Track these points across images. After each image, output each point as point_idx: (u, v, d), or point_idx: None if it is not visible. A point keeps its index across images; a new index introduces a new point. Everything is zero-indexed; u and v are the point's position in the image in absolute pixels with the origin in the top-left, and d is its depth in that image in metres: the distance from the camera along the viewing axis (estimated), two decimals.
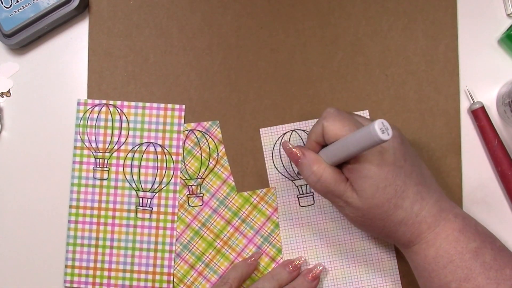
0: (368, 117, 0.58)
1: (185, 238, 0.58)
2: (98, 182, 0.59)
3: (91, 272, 0.59)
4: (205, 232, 0.58)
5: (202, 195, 0.59)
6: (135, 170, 0.59)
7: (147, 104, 0.60)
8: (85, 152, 0.59)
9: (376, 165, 0.47)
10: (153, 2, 0.61)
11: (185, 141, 0.59)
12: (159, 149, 0.59)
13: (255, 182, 0.59)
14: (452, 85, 0.59)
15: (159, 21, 0.60)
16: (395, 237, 0.50)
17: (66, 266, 0.59)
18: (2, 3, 0.58)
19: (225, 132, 0.60)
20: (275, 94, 0.60)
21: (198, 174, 0.59)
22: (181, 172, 0.59)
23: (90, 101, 0.60)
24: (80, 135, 0.59)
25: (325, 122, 0.49)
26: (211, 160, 0.59)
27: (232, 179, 0.59)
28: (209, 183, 0.59)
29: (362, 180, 0.47)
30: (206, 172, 0.59)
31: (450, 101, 0.59)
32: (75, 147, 0.59)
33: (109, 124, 0.59)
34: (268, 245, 0.58)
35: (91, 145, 0.59)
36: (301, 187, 0.59)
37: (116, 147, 0.59)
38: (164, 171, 0.59)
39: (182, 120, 0.59)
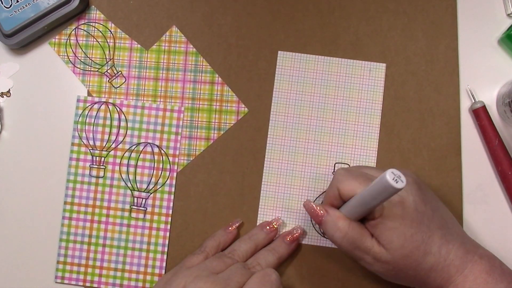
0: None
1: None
2: (93, 180, 0.59)
3: (82, 269, 0.59)
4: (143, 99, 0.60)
5: (120, 72, 0.60)
6: (131, 169, 0.59)
7: (146, 104, 0.60)
8: (82, 149, 0.59)
9: (400, 215, 0.47)
10: (153, 2, 0.61)
11: (76, 39, 0.60)
12: (156, 149, 0.59)
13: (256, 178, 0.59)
14: (452, 85, 0.59)
15: (159, 21, 0.61)
16: (426, 284, 0.49)
17: (58, 262, 0.59)
18: (2, 3, 0.58)
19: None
20: None
21: (106, 58, 0.60)
22: (89, 65, 0.60)
23: (89, 98, 0.60)
24: (78, 132, 0.59)
25: (339, 184, 0.49)
26: (108, 40, 0.60)
27: (136, 42, 0.60)
28: (119, 59, 0.60)
29: (389, 232, 0.47)
30: (111, 52, 0.60)
31: (450, 101, 0.58)
32: (72, 144, 0.59)
33: (108, 122, 0.59)
34: (200, 74, 0.59)
35: (88, 142, 0.59)
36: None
37: (113, 146, 0.59)
38: (160, 172, 0.59)
39: (181, 122, 0.59)
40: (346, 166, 0.58)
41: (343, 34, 0.60)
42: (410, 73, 0.59)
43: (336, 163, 0.59)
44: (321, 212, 0.50)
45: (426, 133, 0.58)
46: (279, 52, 0.60)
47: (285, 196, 0.59)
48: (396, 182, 0.41)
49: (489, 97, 0.58)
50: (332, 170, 0.58)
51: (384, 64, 0.59)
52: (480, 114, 0.57)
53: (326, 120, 0.59)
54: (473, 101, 0.58)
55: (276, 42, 0.60)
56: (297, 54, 0.59)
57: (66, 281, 0.59)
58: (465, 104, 0.59)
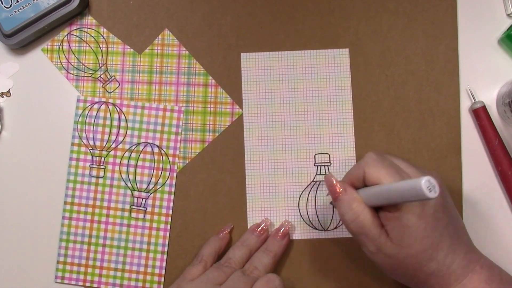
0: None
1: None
2: (94, 180, 0.59)
3: (82, 269, 0.59)
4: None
5: (113, 77, 0.60)
6: (131, 169, 0.59)
7: (146, 104, 0.60)
8: (82, 149, 0.59)
9: (417, 215, 0.46)
10: (153, 2, 0.61)
11: (69, 45, 0.60)
12: (156, 149, 0.59)
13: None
14: (452, 85, 0.59)
15: (159, 21, 0.60)
16: (423, 287, 0.49)
17: (58, 262, 0.59)
18: (2, 3, 0.58)
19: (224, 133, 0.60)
20: None
21: (99, 63, 0.60)
22: (82, 71, 0.60)
23: (89, 98, 0.60)
24: (78, 132, 0.59)
25: (367, 168, 0.48)
26: (101, 46, 0.60)
27: (128, 46, 0.60)
28: (112, 64, 0.60)
29: (401, 229, 0.47)
30: (104, 57, 0.60)
31: (450, 101, 0.58)
32: (72, 144, 0.59)
33: (108, 122, 0.59)
34: (193, 76, 0.59)
35: (88, 142, 0.59)
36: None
37: (113, 146, 0.59)
38: (160, 172, 0.59)
39: (181, 122, 0.59)
40: (327, 155, 0.58)
41: (343, 34, 0.60)
42: (410, 73, 0.59)
43: (316, 154, 0.59)
44: (340, 189, 0.49)
45: (426, 133, 0.58)
46: (241, 54, 0.60)
47: (271, 196, 0.59)
48: (430, 191, 0.40)
49: (489, 97, 0.58)
50: (313, 162, 0.58)
51: (347, 49, 0.59)
52: (480, 114, 0.57)
53: (300, 114, 0.59)
54: (473, 101, 0.58)
55: (276, 42, 0.60)
56: (260, 54, 0.59)
57: (66, 281, 0.59)
58: (465, 104, 0.59)
